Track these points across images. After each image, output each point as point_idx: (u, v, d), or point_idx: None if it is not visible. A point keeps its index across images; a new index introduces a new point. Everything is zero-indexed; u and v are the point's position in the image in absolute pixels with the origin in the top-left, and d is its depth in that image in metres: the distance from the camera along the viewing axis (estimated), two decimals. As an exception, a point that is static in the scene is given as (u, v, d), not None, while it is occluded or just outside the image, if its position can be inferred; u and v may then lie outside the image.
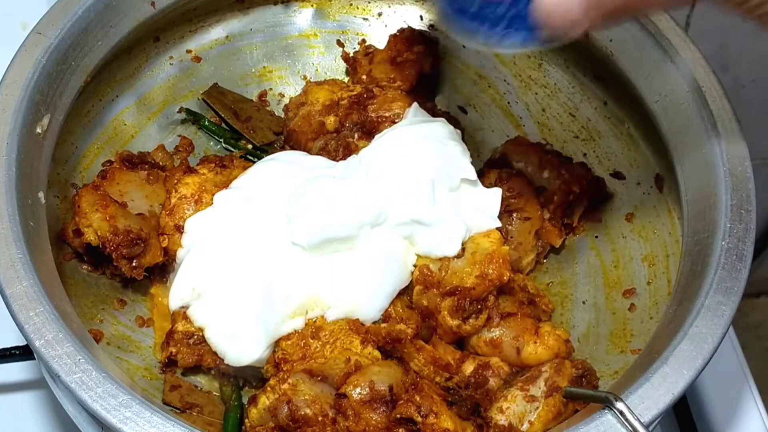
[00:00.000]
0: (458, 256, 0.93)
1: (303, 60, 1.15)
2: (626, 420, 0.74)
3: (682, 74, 0.96)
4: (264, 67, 1.14)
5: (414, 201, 0.93)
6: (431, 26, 1.15)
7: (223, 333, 0.90)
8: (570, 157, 1.07)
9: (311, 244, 0.91)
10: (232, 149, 1.09)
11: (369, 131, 1.02)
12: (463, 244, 0.93)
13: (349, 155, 0.99)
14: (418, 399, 0.83)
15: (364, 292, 0.91)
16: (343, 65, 1.15)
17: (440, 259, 0.93)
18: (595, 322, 0.99)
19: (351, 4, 1.16)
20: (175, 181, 0.97)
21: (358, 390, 0.84)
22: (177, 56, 1.11)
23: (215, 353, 0.91)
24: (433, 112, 1.06)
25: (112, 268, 0.94)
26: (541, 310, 0.98)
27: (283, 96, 1.14)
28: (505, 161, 1.04)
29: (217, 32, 1.12)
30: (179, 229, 0.95)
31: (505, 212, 0.99)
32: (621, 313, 0.98)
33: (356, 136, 1.02)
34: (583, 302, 1.01)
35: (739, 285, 0.83)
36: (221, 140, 1.10)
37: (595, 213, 1.06)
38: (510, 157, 1.04)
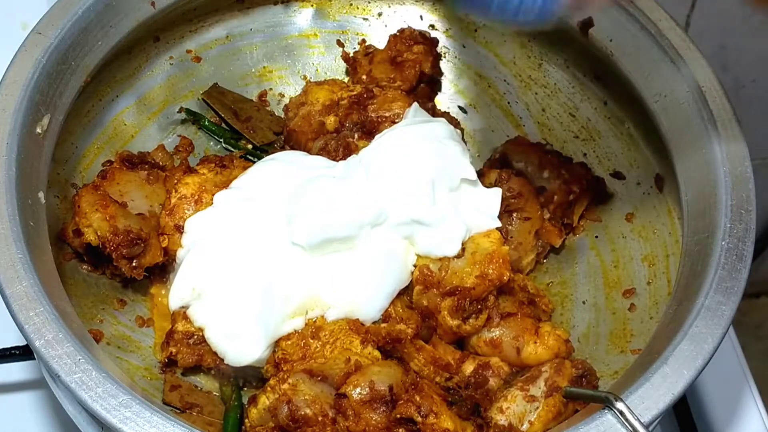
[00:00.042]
0: (458, 256, 0.93)
1: (303, 60, 1.15)
2: (626, 420, 0.74)
3: (682, 74, 0.96)
4: (264, 67, 1.14)
5: (414, 201, 0.93)
6: (431, 26, 1.15)
7: (223, 333, 0.90)
8: (570, 157, 1.07)
9: (311, 244, 0.91)
10: (232, 149, 1.09)
11: (369, 131, 1.02)
12: (463, 244, 0.93)
13: (349, 155, 0.99)
14: (418, 399, 0.83)
15: (364, 292, 0.91)
16: (343, 65, 1.15)
17: (440, 259, 0.93)
18: (595, 322, 0.99)
19: (351, 4, 1.16)
20: (175, 181, 0.97)
21: (358, 390, 0.84)
22: (177, 56, 1.11)
23: (215, 353, 0.91)
24: (433, 112, 1.06)
25: (112, 268, 0.94)
26: (541, 310, 0.98)
27: (283, 96, 1.14)
28: (505, 161, 1.04)
29: (217, 32, 1.12)
30: (179, 229, 0.95)
31: (505, 212, 0.99)
32: (621, 313, 0.98)
33: (356, 136, 1.02)
34: (583, 302, 1.01)
35: (739, 285, 0.83)
36: (221, 140, 1.10)
37: (595, 213, 1.06)
38: (510, 157, 1.04)
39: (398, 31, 1.12)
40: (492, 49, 1.14)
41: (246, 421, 0.87)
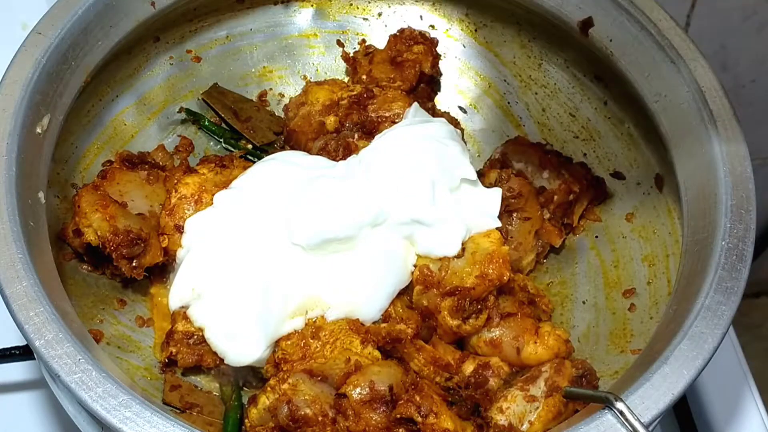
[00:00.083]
0: (458, 256, 0.93)
1: (303, 60, 1.15)
2: (626, 420, 0.74)
3: (682, 74, 0.96)
4: (264, 67, 1.14)
5: (414, 201, 0.93)
6: (431, 26, 1.15)
7: (223, 333, 0.90)
8: (570, 157, 1.07)
9: (311, 244, 0.91)
10: (232, 149, 1.09)
11: (369, 131, 1.02)
12: (463, 244, 0.93)
13: (349, 155, 0.99)
14: (418, 399, 0.83)
15: (364, 292, 0.91)
16: (343, 65, 1.15)
17: (440, 259, 0.93)
18: (595, 322, 0.99)
19: (351, 4, 1.16)
20: (175, 181, 0.97)
21: (358, 390, 0.84)
22: (177, 56, 1.11)
23: (215, 353, 0.91)
24: (433, 112, 1.06)
25: (112, 268, 0.94)
26: (541, 310, 0.98)
27: (283, 96, 1.14)
28: (505, 161, 1.04)
29: (217, 32, 1.12)
30: (179, 229, 0.95)
31: (505, 212, 0.99)
32: (621, 313, 0.98)
33: (356, 136, 1.02)
34: (583, 302, 1.01)
35: (739, 285, 0.83)
36: (221, 140, 1.10)
37: (595, 213, 1.06)
38: (510, 157, 1.04)
39: (398, 31, 1.12)
40: (492, 49, 1.14)
41: (246, 421, 0.87)
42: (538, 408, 0.86)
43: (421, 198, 0.93)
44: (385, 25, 1.16)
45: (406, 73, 1.08)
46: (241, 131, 1.09)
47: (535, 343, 0.92)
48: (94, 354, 0.77)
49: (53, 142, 0.92)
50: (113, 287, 0.97)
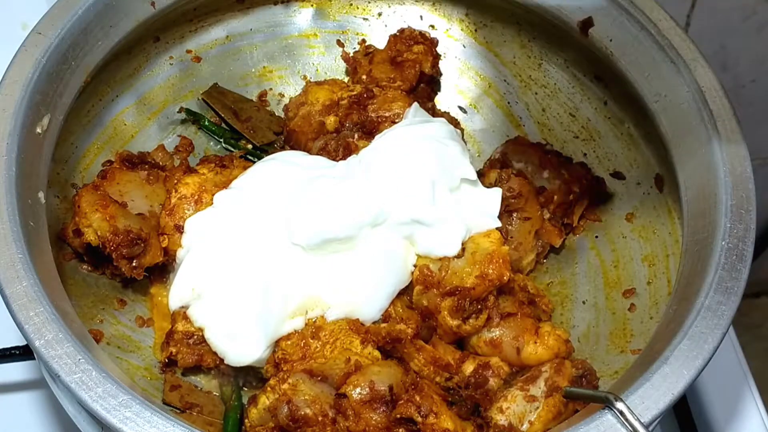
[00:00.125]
0: (458, 256, 0.93)
1: (303, 60, 1.15)
2: (626, 420, 0.74)
3: (682, 74, 0.96)
4: (264, 67, 1.14)
5: (414, 201, 0.93)
6: (431, 26, 1.15)
7: (223, 333, 0.90)
8: (570, 157, 1.07)
9: (311, 244, 0.91)
10: (232, 149, 1.09)
11: (369, 131, 1.02)
12: (463, 244, 0.93)
13: (349, 155, 0.99)
14: (418, 399, 0.83)
15: (364, 292, 0.91)
16: (343, 65, 1.15)
17: (440, 259, 0.93)
18: (595, 322, 0.99)
19: (351, 4, 1.16)
20: (175, 181, 0.97)
21: (358, 390, 0.84)
22: (177, 56, 1.11)
23: (215, 353, 0.91)
24: (433, 112, 1.06)
25: (112, 268, 0.94)
26: (541, 310, 0.98)
27: (283, 96, 1.14)
28: (505, 161, 1.04)
29: (217, 32, 1.12)
30: (179, 229, 0.95)
31: (505, 212, 0.99)
32: (621, 313, 0.98)
33: (356, 136, 1.02)
34: (583, 302, 1.01)
35: (739, 285, 0.83)
36: (221, 140, 1.10)
37: (595, 213, 1.06)
38: (510, 157, 1.04)
39: (398, 31, 1.12)
40: (492, 49, 1.14)
41: (246, 421, 0.87)
42: (538, 408, 0.86)
43: (421, 198, 0.93)
44: (385, 25, 1.16)
45: (406, 73, 1.08)
46: (241, 131, 1.09)
47: (535, 343, 0.92)
48: (94, 354, 0.77)
49: (53, 142, 0.92)
50: (113, 287, 0.97)
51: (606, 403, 0.76)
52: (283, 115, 1.10)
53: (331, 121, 1.04)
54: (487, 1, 1.12)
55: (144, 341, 0.95)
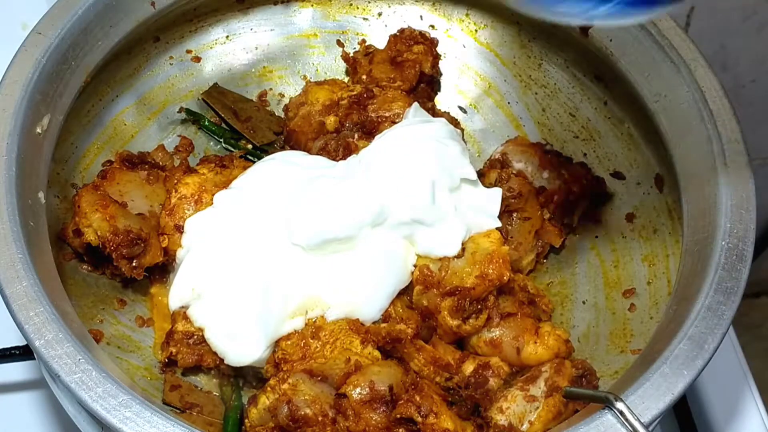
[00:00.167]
0: (458, 256, 0.93)
1: (303, 60, 1.15)
2: (626, 420, 0.74)
3: (682, 74, 0.96)
4: (264, 67, 1.14)
5: (414, 201, 0.93)
6: (431, 26, 1.15)
7: (223, 333, 0.90)
8: (570, 157, 1.07)
9: (311, 244, 0.91)
10: (232, 149, 1.09)
11: (369, 131, 1.02)
12: (463, 244, 0.93)
13: (349, 155, 0.99)
14: (418, 399, 0.83)
15: (364, 292, 0.91)
16: (343, 65, 1.15)
17: (440, 259, 0.93)
18: (595, 322, 0.99)
19: (351, 4, 1.16)
20: (175, 181, 0.97)
21: (358, 390, 0.84)
22: (177, 56, 1.11)
23: (215, 353, 0.91)
24: (433, 112, 1.06)
25: (112, 268, 0.94)
26: (541, 310, 0.98)
27: (283, 96, 1.14)
28: (505, 161, 1.04)
29: (217, 32, 1.13)
30: (179, 229, 0.95)
31: (505, 212, 0.99)
32: (621, 313, 0.98)
33: (356, 136, 1.02)
34: (583, 302, 1.01)
35: (739, 285, 0.83)
36: (221, 140, 1.10)
37: (595, 213, 1.06)
38: (510, 157, 1.04)
39: (398, 31, 1.12)
40: (492, 49, 1.14)
41: (246, 421, 0.87)
42: (538, 408, 0.86)
43: (421, 198, 0.93)
44: (385, 25, 1.16)
45: (406, 73, 1.08)
46: (241, 131, 1.09)
47: (535, 343, 0.92)
48: (94, 354, 0.77)
49: (53, 142, 0.92)
50: (113, 287, 0.97)
51: (606, 403, 0.76)
52: (283, 115, 1.10)
53: (331, 121, 1.04)
54: (488, 1, 1.12)
55: (144, 341, 0.95)
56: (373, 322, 0.91)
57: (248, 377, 0.93)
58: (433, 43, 1.12)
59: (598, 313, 0.99)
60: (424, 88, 1.10)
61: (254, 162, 1.02)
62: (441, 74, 1.14)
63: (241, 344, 0.90)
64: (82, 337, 0.79)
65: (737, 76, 1.57)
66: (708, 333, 0.80)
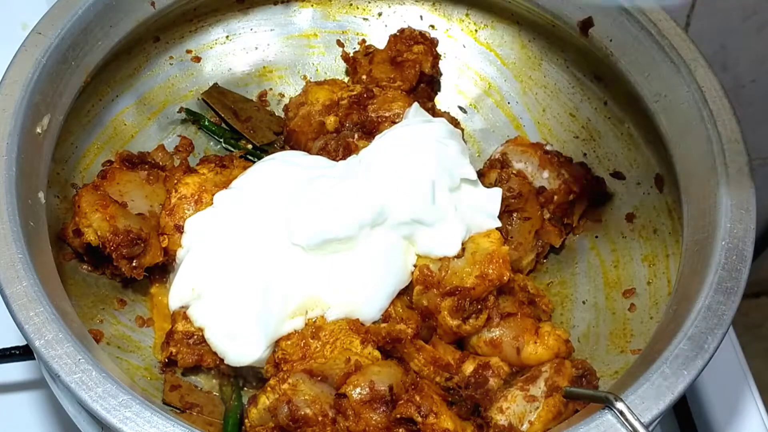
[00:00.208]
0: (458, 256, 0.93)
1: (303, 60, 1.15)
2: (626, 420, 0.74)
3: (682, 74, 0.96)
4: (264, 67, 1.14)
5: (414, 201, 0.93)
6: (431, 26, 1.15)
7: (223, 333, 0.90)
8: (570, 157, 1.07)
9: (311, 244, 0.91)
10: (232, 149, 1.09)
11: (369, 131, 1.02)
12: (463, 244, 0.93)
13: (349, 155, 0.99)
14: (418, 399, 0.83)
15: (364, 292, 0.91)
16: (343, 65, 1.15)
17: (440, 259, 0.93)
18: (595, 322, 0.99)
19: (351, 4, 1.16)
20: (175, 181, 0.97)
21: (358, 390, 0.84)
22: (177, 56, 1.11)
23: (215, 353, 0.91)
24: (433, 112, 1.06)
25: (112, 268, 0.94)
26: (541, 310, 0.98)
27: (283, 96, 1.14)
28: (505, 161, 1.04)
29: (217, 32, 1.13)
30: (179, 229, 0.95)
31: (505, 212, 0.99)
32: (621, 313, 0.98)
33: (356, 136, 1.02)
34: (583, 302, 1.01)
35: (739, 285, 0.83)
36: (221, 140, 1.10)
37: (595, 213, 1.06)
38: (510, 157, 1.04)
39: (398, 31, 1.12)
40: (492, 49, 1.14)
41: (246, 421, 0.87)
42: (538, 408, 0.86)
43: (421, 198, 0.93)
44: (385, 25, 1.16)
45: (406, 73, 1.08)
46: (241, 131, 1.09)
47: (535, 343, 0.92)
48: (94, 354, 0.77)
49: (53, 142, 0.92)
50: (113, 287, 0.97)
51: (606, 403, 0.76)
52: (283, 115, 1.10)
53: (331, 121, 1.04)
54: (488, 1, 1.12)
55: (144, 341, 0.95)
56: (373, 322, 0.91)
57: (248, 377, 0.93)
58: (433, 43, 1.12)
59: (598, 313, 0.99)
60: (424, 88, 1.10)
61: (254, 162, 1.02)
62: (441, 74, 1.14)
63: (241, 344, 0.90)
64: (82, 337, 0.79)
65: (737, 76, 1.56)
66: (708, 333, 0.80)
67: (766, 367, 1.58)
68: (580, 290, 1.02)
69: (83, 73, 0.96)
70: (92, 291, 0.95)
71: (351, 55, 1.14)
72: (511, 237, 0.99)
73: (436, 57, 1.12)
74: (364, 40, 1.16)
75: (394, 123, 1.01)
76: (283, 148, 1.08)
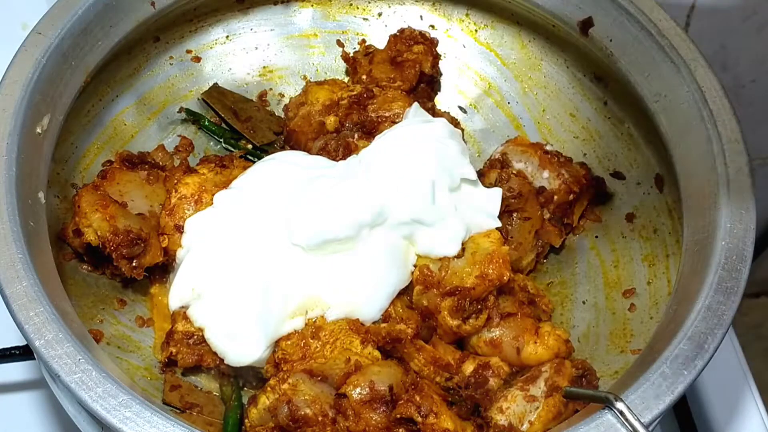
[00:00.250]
0: (458, 256, 0.93)
1: (303, 60, 1.15)
2: (626, 420, 0.74)
3: (682, 74, 0.96)
4: (264, 67, 1.14)
5: (414, 201, 0.93)
6: (431, 26, 1.15)
7: (223, 333, 0.90)
8: (570, 157, 1.07)
9: (311, 245, 0.91)
10: (232, 149, 1.09)
11: (369, 131, 1.02)
12: (463, 244, 0.93)
13: (349, 155, 0.99)
14: (418, 399, 0.83)
15: (364, 292, 0.91)
16: (343, 65, 1.15)
17: (440, 259, 0.93)
18: (595, 322, 0.99)
19: (351, 4, 1.16)
20: (175, 181, 0.97)
21: (358, 390, 0.84)
22: (177, 56, 1.11)
23: (215, 353, 0.91)
24: (433, 112, 1.06)
25: (112, 268, 0.94)
26: (541, 310, 0.98)
27: (283, 96, 1.14)
28: (505, 161, 1.04)
29: (217, 32, 1.13)
30: (179, 229, 0.95)
31: (505, 212, 0.99)
32: (621, 313, 0.98)
33: (356, 136, 1.02)
34: (583, 302, 1.01)
35: (739, 285, 0.83)
36: (221, 140, 1.10)
37: (595, 213, 1.06)
38: (510, 157, 1.04)
39: (398, 31, 1.12)
40: (492, 49, 1.14)
41: (246, 421, 0.87)
42: (538, 408, 0.86)
43: (421, 198, 0.93)
44: (385, 25, 1.16)
45: (406, 73, 1.08)
46: (241, 131, 1.09)
47: (535, 343, 0.92)
48: (94, 354, 0.77)
49: (53, 142, 0.92)
50: (113, 287, 0.97)
51: (606, 403, 0.76)
52: (283, 115, 1.10)
53: (331, 121, 1.04)
54: (488, 1, 1.12)
55: (144, 341, 0.95)
56: (373, 322, 0.91)
57: (248, 377, 0.93)
58: (433, 43, 1.12)
59: (598, 313, 0.99)
60: (424, 88, 1.10)
61: (254, 162, 1.02)
62: (441, 74, 1.14)
63: (241, 344, 0.90)
64: (82, 337, 0.79)
65: (737, 76, 1.56)
66: (708, 333, 0.80)
67: (766, 367, 1.58)
68: (580, 290, 1.02)
69: (83, 73, 0.96)
70: (92, 291, 0.95)
71: (351, 55, 1.14)
72: (511, 237, 0.99)
73: (436, 57, 1.12)
74: (364, 40, 1.16)
75: (394, 123, 1.01)
76: (283, 148, 1.08)
